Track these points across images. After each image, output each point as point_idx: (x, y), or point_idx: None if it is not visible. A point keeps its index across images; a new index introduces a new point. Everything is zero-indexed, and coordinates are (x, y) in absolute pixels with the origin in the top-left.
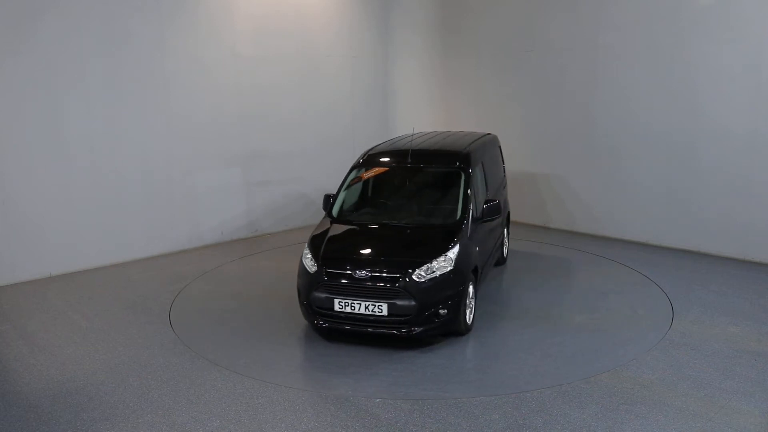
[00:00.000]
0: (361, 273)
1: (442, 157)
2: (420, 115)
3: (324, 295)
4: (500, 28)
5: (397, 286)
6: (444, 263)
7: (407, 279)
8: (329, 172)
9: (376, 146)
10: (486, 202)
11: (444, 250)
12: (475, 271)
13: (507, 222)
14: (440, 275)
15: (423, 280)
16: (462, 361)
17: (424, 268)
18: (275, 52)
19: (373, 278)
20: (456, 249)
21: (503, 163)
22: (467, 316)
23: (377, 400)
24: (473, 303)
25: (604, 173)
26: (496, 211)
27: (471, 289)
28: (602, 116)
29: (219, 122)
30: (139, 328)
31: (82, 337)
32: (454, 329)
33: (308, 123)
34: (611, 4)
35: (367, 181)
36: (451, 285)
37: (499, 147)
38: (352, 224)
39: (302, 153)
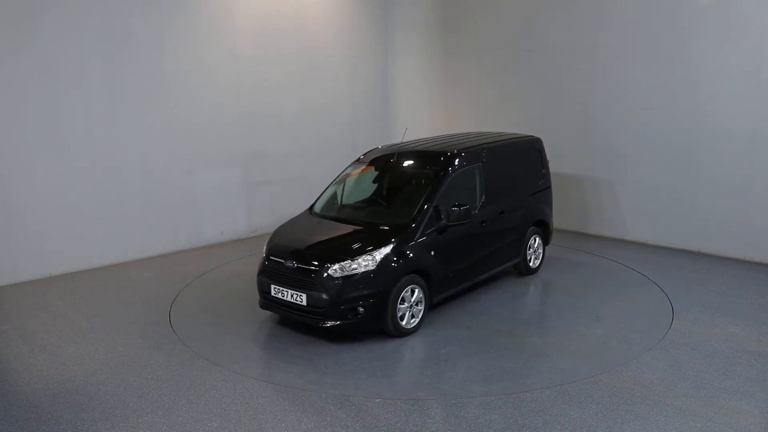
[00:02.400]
0: (289, 263)
1: (423, 160)
2: (420, 115)
3: (265, 280)
4: (500, 28)
5: (312, 279)
6: (367, 262)
7: (323, 273)
8: (329, 171)
9: (385, 145)
10: (455, 206)
11: (372, 250)
12: (424, 274)
13: (545, 231)
14: (360, 273)
15: (338, 275)
16: (366, 361)
17: (344, 264)
18: (275, 52)
19: (297, 269)
20: (385, 250)
21: (543, 169)
22: (405, 319)
23: (377, 400)
24: (422, 307)
25: (604, 173)
26: (462, 216)
27: (416, 292)
28: (602, 116)
29: (219, 122)
30: (139, 328)
31: (82, 337)
32: (379, 329)
33: (308, 123)
34: (611, 4)
35: (353, 180)
36: (372, 284)
37: (539, 151)
38: (318, 218)
39: (302, 153)
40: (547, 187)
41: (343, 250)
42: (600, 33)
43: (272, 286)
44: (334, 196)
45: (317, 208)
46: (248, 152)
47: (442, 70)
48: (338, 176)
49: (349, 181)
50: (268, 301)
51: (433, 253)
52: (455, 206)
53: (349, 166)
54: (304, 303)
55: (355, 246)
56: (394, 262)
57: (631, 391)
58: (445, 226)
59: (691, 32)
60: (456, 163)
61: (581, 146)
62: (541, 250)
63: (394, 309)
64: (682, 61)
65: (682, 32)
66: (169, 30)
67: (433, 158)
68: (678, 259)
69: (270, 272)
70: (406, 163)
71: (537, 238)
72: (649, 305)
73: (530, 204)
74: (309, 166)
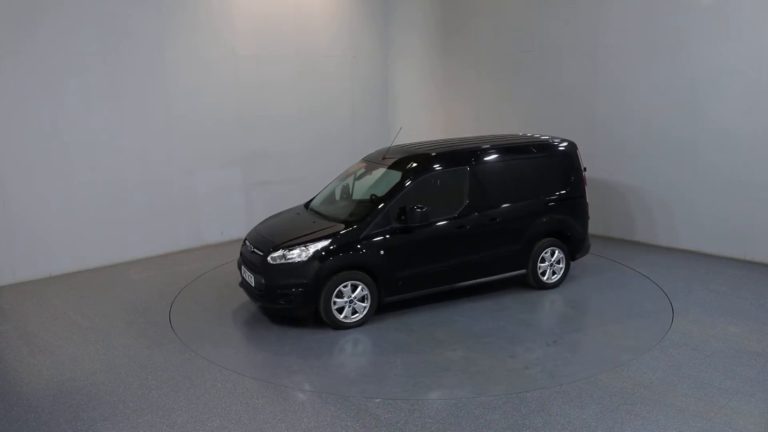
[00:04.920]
0: (250, 247)
1: (401, 161)
2: (419, 115)
3: (239, 261)
4: (500, 28)
5: (257, 263)
6: (301, 253)
7: (265, 258)
8: (329, 171)
9: (396, 145)
10: (418, 208)
11: (308, 242)
12: (371, 273)
13: (570, 244)
14: (293, 263)
15: (275, 262)
16: (276, 350)
17: (284, 252)
18: (275, 51)
19: (252, 252)
20: (321, 244)
21: (573, 177)
22: (344, 313)
23: (377, 400)
24: (367, 304)
25: (604, 173)
26: (420, 219)
27: (359, 289)
28: (602, 116)
29: (219, 122)
30: (139, 328)
31: (82, 337)
32: (309, 317)
33: (308, 123)
34: (611, 4)
35: (347, 179)
36: (304, 275)
37: (567, 156)
38: (300, 211)
39: (302, 153)
40: (578, 197)
41: (289, 239)
42: (600, 33)
43: (242, 267)
44: (329, 192)
45: (311, 203)
46: (248, 152)
47: (442, 70)
48: (339, 176)
49: (347, 179)
50: (242, 280)
51: (383, 252)
52: (418, 208)
53: (355, 164)
54: (253, 284)
55: (301, 237)
56: (330, 256)
57: (631, 391)
58: (404, 228)
59: (691, 32)
60: (427, 166)
61: (581, 146)
62: (562, 265)
63: (328, 301)
64: (682, 61)
65: (682, 32)
66: (169, 30)
67: (407, 160)
68: (678, 259)
69: (242, 254)
70: (390, 164)
71: (556, 252)
72: (649, 305)
73: (545, 213)
74: (308, 166)
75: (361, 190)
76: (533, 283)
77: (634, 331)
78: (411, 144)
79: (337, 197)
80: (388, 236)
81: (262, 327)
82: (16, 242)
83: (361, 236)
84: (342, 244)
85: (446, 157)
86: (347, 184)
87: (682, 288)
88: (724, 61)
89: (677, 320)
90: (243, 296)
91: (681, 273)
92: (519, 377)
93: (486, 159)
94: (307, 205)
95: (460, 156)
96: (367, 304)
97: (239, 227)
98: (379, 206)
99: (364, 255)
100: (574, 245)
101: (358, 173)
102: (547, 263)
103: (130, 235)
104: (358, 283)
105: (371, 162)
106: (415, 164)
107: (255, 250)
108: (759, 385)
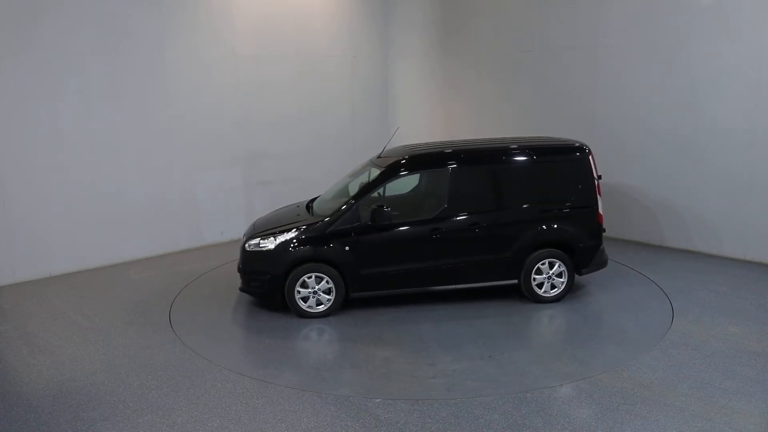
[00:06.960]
0: (242, 236)
1: (384, 162)
2: (419, 115)
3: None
4: (500, 28)
5: (241, 249)
6: (269, 243)
7: (244, 246)
8: (329, 171)
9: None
10: (387, 208)
11: (276, 233)
12: (335, 266)
13: (576, 257)
14: (264, 251)
15: (250, 249)
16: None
17: (259, 240)
18: (275, 51)
19: (243, 240)
20: (287, 235)
21: (581, 185)
22: (308, 303)
23: (377, 400)
24: (332, 296)
25: (605, 173)
26: (386, 218)
27: (325, 282)
28: (602, 116)
29: (219, 122)
30: (138, 328)
31: (82, 337)
32: (276, 304)
33: (308, 123)
34: (611, 4)
35: (348, 177)
36: (270, 262)
37: (575, 162)
38: (299, 205)
39: (302, 153)
40: (586, 207)
41: (267, 229)
42: (600, 33)
43: None
44: (330, 189)
45: (311, 201)
46: (248, 152)
47: (442, 70)
48: (351, 171)
49: (348, 177)
50: None
51: (348, 248)
52: (385, 208)
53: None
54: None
55: (276, 228)
56: (293, 247)
57: (631, 391)
58: (373, 226)
59: (691, 32)
60: (402, 168)
61: None
62: (564, 279)
63: (291, 290)
64: (682, 60)
65: (682, 32)
66: (169, 30)
67: (389, 160)
68: (678, 259)
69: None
70: (379, 164)
71: (557, 264)
72: (649, 305)
73: (541, 222)
74: (308, 166)
75: (355, 189)
76: (527, 295)
77: (634, 331)
78: (415, 144)
79: (335, 195)
80: (355, 233)
81: (262, 326)
82: (16, 242)
83: (327, 231)
84: (307, 237)
85: (426, 159)
86: (345, 183)
87: (682, 288)
88: (724, 61)
89: (677, 320)
90: (243, 296)
91: (681, 273)
92: (416, 385)
93: (471, 163)
94: (311, 201)
95: (441, 159)
96: (331, 297)
97: (239, 227)
98: (348, 204)
99: (328, 249)
100: (581, 258)
101: (357, 173)
102: (544, 275)
103: (130, 235)
104: (321, 275)
105: (370, 162)
106: (392, 165)
107: (242, 238)
108: (759, 385)
